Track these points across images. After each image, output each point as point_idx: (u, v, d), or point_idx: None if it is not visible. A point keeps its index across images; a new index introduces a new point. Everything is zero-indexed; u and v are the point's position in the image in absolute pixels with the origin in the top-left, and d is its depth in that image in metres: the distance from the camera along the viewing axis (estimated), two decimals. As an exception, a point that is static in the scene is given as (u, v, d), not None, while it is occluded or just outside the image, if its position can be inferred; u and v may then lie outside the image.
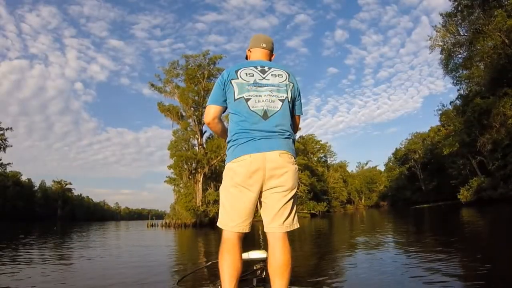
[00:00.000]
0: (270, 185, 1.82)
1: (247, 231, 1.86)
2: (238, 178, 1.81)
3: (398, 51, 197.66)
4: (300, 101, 2.07)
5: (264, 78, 1.93)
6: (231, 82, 1.91)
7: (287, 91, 1.94)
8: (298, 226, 1.92)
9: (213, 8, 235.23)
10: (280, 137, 1.86)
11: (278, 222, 1.83)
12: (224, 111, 2.01)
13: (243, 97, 1.87)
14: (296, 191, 1.91)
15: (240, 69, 1.95)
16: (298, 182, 1.99)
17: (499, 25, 26.92)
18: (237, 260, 1.78)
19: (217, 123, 2.01)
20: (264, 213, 1.89)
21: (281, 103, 1.90)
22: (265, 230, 1.88)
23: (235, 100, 1.88)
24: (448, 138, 37.84)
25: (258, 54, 2.12)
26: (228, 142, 1.91)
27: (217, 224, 1.89)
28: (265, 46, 2.12)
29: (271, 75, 1.96)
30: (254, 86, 1.90)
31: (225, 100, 1.94)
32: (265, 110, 1.86)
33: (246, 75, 1.92)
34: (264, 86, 1.91)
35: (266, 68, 1.98)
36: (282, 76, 1.97)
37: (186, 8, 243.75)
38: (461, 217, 16.58)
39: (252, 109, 1.85)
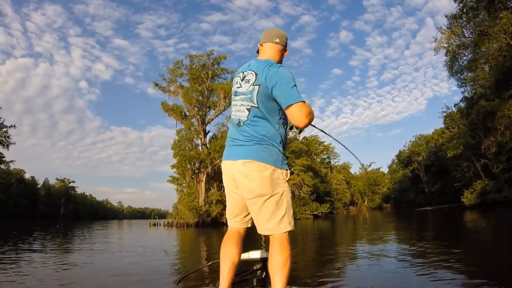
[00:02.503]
0: (241, 192, 1.89)
1: (240, 226, 1.99)
2: (223, 179, 2.00)
3: (402, 52, 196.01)
4: (284, 91, 1.73)
5: (241, 86, 1.94)
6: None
7: (251, 99, 1.83)
8: (287, 229, 1.80)
9: (218, 8, 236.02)
10: (247, 144, 1.83)
11: (259, 226, 1.85)
12: None
13: (232, 104, 2.01)
14: (275, 196, 1.79)
15: (235, 75, 2.04)
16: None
17: (504, 27, 26.74)
18: (232, 249, 1.91)
19: None
20: None
21: (247, 112, 1.86)
22: None
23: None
24: (452, 141, 37.59)
25: (268, 49, 1.97)
26: None
27: None
28: (278, 41, 1.97)
29: (245, 81, 1.90)
30: (234, 95, 2.00)
31: None
32: (239, 119, 1.92)
33: (235, 83, 2.01)
34: (238, 95, 1.95)
35: (246, 73, 1.92)
36: (249, 81, 1.86)
37: (191, 8, 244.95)
38: (464, 220, 16.48)
39: (232, 117, 1.98)
